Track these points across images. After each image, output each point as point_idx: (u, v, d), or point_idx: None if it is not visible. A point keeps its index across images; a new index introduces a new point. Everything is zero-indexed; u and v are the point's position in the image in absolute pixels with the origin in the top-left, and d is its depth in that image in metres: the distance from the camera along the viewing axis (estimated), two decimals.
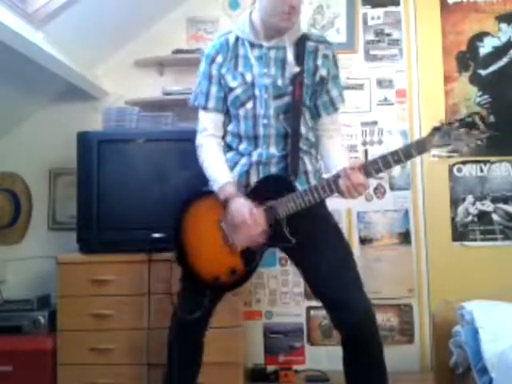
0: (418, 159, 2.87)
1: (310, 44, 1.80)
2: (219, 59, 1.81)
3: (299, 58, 1.77)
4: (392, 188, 2.89)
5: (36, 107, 2.92)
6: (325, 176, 1.82)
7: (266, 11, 1.73)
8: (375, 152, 2.86)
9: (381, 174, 2.84)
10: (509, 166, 2.87)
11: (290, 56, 1.77)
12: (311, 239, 1.74)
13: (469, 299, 1.86)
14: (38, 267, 2.82)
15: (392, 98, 2.92)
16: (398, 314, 2.84)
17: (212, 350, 2.32)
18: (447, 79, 2.91)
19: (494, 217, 2.86)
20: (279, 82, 1.76)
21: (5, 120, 2.82)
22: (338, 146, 1.89)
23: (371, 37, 2.95)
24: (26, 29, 2.20)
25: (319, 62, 1.79)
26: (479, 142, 1.63)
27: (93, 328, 2.38)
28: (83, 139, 2.50)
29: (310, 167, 1.83)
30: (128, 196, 2.49)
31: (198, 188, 1.87)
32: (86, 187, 2.47)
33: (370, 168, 1.65)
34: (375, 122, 2.91)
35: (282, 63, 1.77)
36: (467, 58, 2.91)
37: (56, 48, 2.39)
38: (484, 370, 1.59)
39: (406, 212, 2.88)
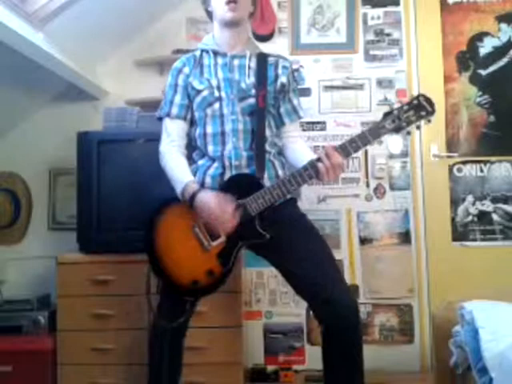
0: (418, 159, 2.88)
1: (270, 58, 1.96)
2: (186, 70, 1.93)
3: (261, 68, 1.91)
4: (392, 188, 2.89)
5: (36, 107, 2.92)
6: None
7: (215, 12, 1.92)
8: (375, 152, 2.86)
9: (380, 174, 2.87)
10: (509, 166, 2.87)
11: (252, 63, 1.92)
12: (285, 236, 1.79)
13: (469, 299, 1.85)
14: (37, 267, 2.82)
15: (392, 98, 2.91)
16: (398, 314, 2.85)
17: (212, 350, 2.34)
18: (447, 79, 2.91)
19: (494, 217, 2.86)
20: (243, 85, 1.89)
21: (5, 120, 2.82)
22: (305, 147, 2.02)
23: (371, 37, 2.95)
24: (26, 29, 2.20)
25: (279, 71, 1.94)
26: (428, 123, 1.76)
27: (93, 328, 2.38)
28: (83, 139, 2.50)
29: (280, 172, 1.92)
30: (128, 196, 2.49)
31: (168, 195, 1.90)
32: (86, 187, 2.47)
33: (348, 149, 1.73)
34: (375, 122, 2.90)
35: (245, 69, 1.91)
36: (467, 58, 2.91)
37: (56, 48, 2.38)
38: (484, 370, 1.58)
39: (406, 212, 2.88)
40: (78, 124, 2.67)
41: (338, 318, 1.70)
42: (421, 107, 1.72)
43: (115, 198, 2.46)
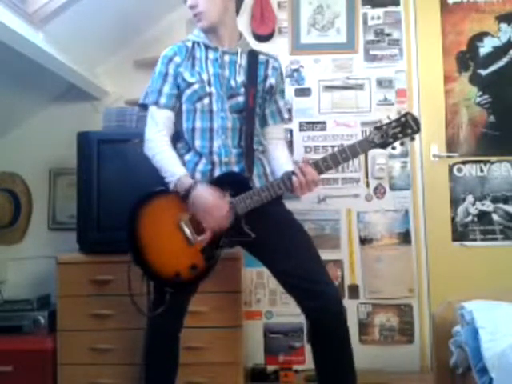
0: (418, 159, 2.88)
1: (261, 57, 1.96)
2: (177, 59, 1.90)
3: (251, 66, 1.91)
4: (392, 188, 2.89)
5: (36, 107, 2.92)
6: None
7: None
8: (375, 152, 2.86)
9: (380, 174, 2.87)
10: (509, 166, 2.88)
11: (243, 61, 1.91)
12: (271, 234, 1.81)
13: (469, 299, 1.85)
14: (37, 267, 2.82)
15: (392, 98, 2.92)
16: (398, 314, 2.85)
17: (212, 350, 2.34)
18: (447, 79, 2.91)
19: (494, 217, 2.86)
20: (232, 83, 1.88)
21: (5, 120, 2.82)
22: (285, 153, 2.01)
23: (371, 37, 2.95)
24: (26, 29, 2.20)
25: (269, 71, 1.95)
26: (412, 140, 1.80)
27: (93, 328, 2.38)
28: (83, 139, 2.50)
29: (268, 169, 1.95)
30: (128, 196, 2.48)
31: (152, 188, 1.90)
32: (86, 187, 2.46)
33: (321, 165, 1.76)
34: (375, 122, 2.89)
35: (235, 66, 1.90)
36: (467, 58, 2.91)
37: (56, 48, 2.38)
38: (484, 370, 1.58)
39: (406, 212, 2.88)
40: (78, 124, 2.67)
41: (325, 311, 1.74)
42: (408, 125, 1.75)
43: (115, 198, 2.45)
